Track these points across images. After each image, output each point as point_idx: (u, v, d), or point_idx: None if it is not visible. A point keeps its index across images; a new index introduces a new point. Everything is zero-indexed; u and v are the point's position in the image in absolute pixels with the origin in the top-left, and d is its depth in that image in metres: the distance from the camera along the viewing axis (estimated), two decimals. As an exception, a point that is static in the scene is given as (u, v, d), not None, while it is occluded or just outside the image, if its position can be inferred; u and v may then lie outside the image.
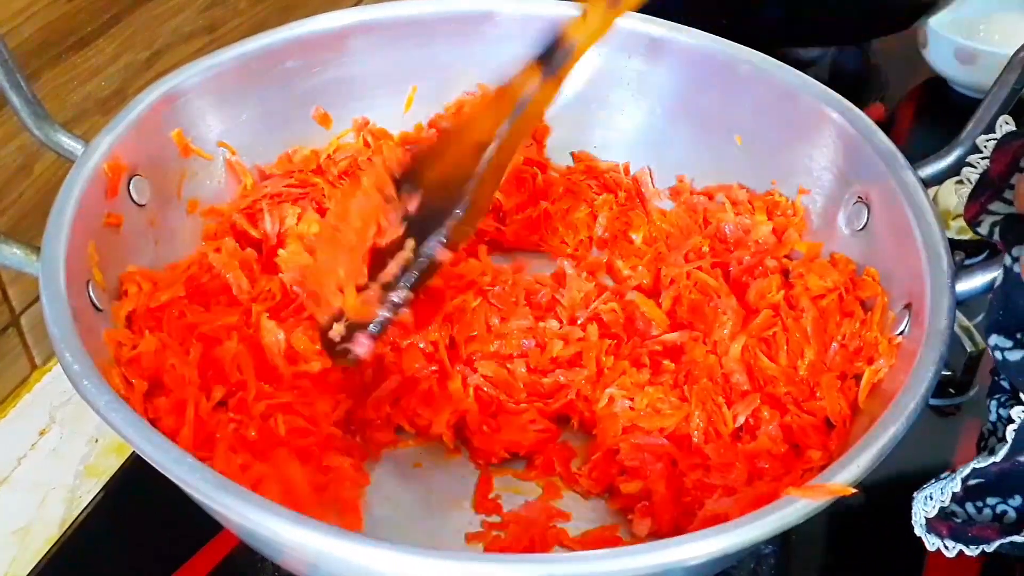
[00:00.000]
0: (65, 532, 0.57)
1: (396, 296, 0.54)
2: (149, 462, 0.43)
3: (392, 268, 0.55)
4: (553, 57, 0.54)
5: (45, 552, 0.56)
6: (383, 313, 0.54)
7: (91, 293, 0.52)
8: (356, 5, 0.71)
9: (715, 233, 0.67)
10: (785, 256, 0.64)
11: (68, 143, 0.57)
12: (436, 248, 0.55)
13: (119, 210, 0.57)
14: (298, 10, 0.84)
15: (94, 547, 0.57)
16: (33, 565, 0.56)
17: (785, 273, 0.63)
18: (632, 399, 0.58)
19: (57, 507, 0.59)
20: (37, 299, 0.49)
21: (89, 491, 0.60)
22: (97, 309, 0.52)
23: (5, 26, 0.59)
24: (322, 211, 0.66)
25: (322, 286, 0.56)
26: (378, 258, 0.55)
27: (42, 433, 0.63)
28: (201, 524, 0.50)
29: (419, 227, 0.55)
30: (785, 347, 0.59)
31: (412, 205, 0.56)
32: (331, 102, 0.69)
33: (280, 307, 0.61)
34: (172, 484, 0.43)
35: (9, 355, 0.65)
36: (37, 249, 0.51)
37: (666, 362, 0.61)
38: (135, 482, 0.60)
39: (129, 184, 0.58)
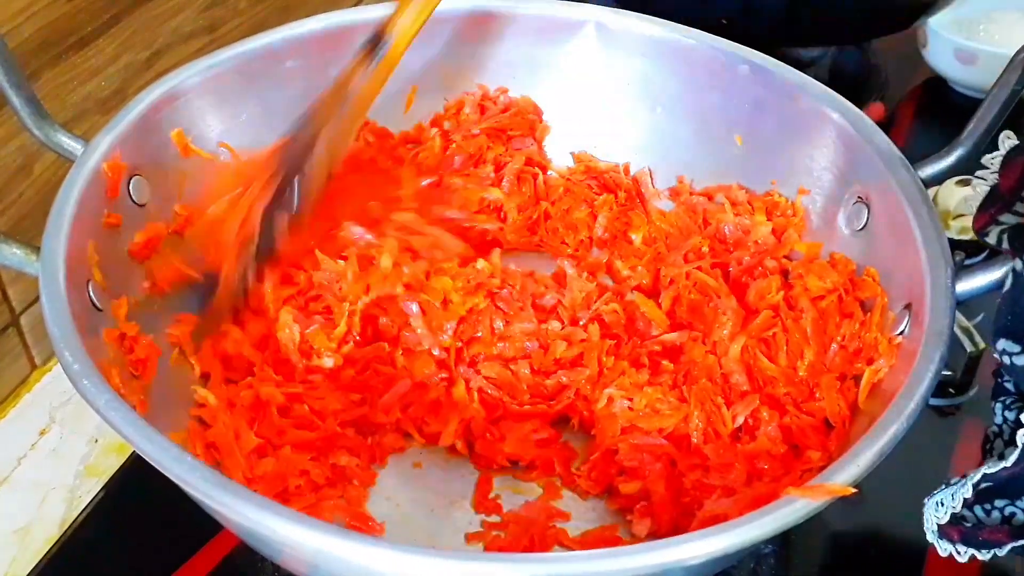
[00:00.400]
0: (65, 532, 0.57)
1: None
2: (149, 461, 0.43)
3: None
4: (375, 50, 0.61)
5: (45, 552, 0.56)
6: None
7: (91, 293, 0.52)
8: (356, 5, 0.71)
9: (715, 233, 0.67)
10: (785, 256, 0.64)
11: (68, 143, 0.57)
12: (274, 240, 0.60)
13: (119, 210, 0.57)
14: (298, 10, 0.84)
15: (94, 547, 0.57)
16: (33, 565, 0.56)
17: (785, 274, 0.63)
18: (631, 399, 0.58)
19: (57, 507, 0.59)
20: (37, 299, 0.49)
21: (89, 491, 0.60)
22: (97, 308, 0.52)
23: (5, 26, 0.59)
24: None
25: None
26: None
27: (42, 433, 0.63)
28: (201, 524, 0.50)
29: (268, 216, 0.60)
30: (785, 348, 0.59)
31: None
32: (331, 102, 0.69)
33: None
34: (172, 484, 0.43)
35: (9, 355, 0.65)
36: (37, 249, 0.51)
37: (665, 362, 0.61)
38: (135, 482, 0.60)
39: (129, 184, 0.58)
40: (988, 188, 0.53)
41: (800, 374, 0.58)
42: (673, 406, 0.58)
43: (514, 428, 0.59)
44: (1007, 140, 0.59)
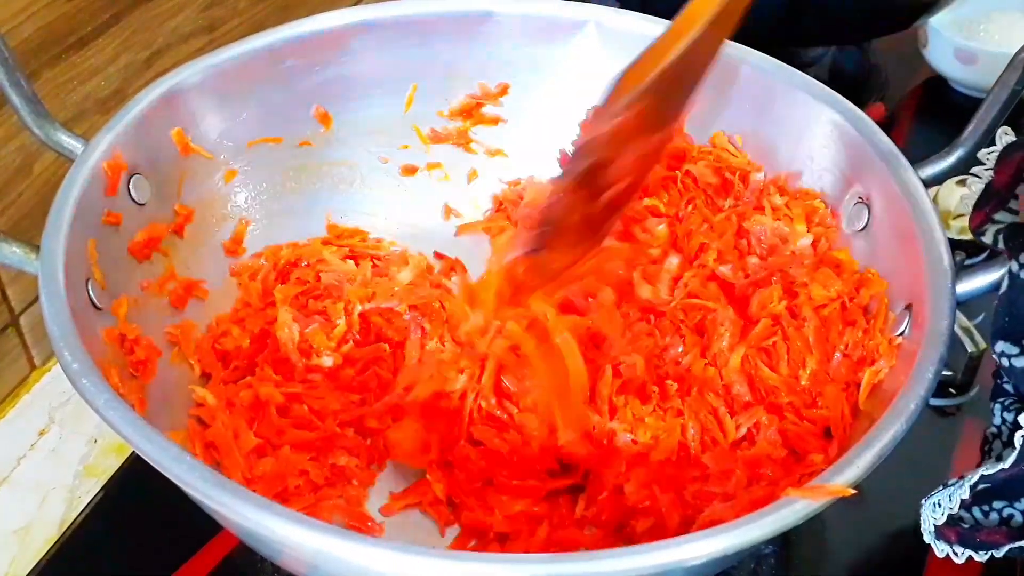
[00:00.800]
0: (65, 532, 0.57)
1: None
2: (148, 461, 0.43)
3: None
4: None
5: (45, 552, 0.56)
6: None
7: (90, 291, 0.52)
8: (356, 5, 0.71)
9: (744, 235, 0.65)
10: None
11: (68, 142, 0.57)
12: None
13: (119, 209, 0.57)
14: (298, 10, 0.84)
15: (94, 547, 0.57)
16: (33, 565, 0.56)
17: (790, 282, 0.62)
18: (634, 432, 0.56)
19: (57, 507, 0.59)
20: (37, 299, 0.49)
21: (89, 491, 0.60)
22: (96, 307, 0.52)
23: (5, 26, 0.59)
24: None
25: None
26: None
27: (42, 433, 0.63)
28: (201, 524, 0.50)
29: None
30: (786, 357, 0.58)
31: None
32: (331, 101, 0.69)
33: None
34: (172, 484, 0.43)
35: (9, 355, 0.65)
36: (36, 248, 0.51)
37: (669, 381, 0.59)
38: (135, 482, 0.60)
39: (129, 183, 0.58)
40: (983, 185, 0.52)
41: (802, 383, 0.57)
42: (670, 426, 0.56)
43: (504, 503, 0.55)
44: (1004, 136, 0.59)
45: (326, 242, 0.67)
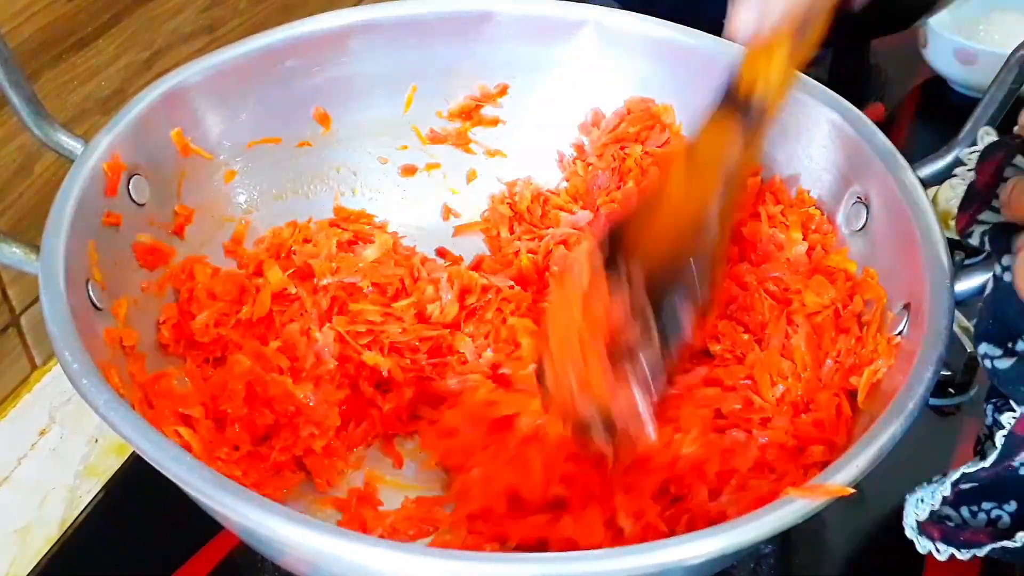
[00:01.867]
0: (65, 532, 0.57)
1: (651, 381, 0.50)
2: (148, 461, 0.43)
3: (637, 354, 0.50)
4: (747, 112, 0.50)
5: (45, 552, 0.56)
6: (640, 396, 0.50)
7: (90, 292, 0.52)
8: (356, 5, 0.71)
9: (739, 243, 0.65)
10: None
11: (68, 142, 0.57)
12: (684, 325, 0.50)
13: (119, 209, 0.57)
14: (298, 10, 0.84)
15: (94, 547, 0.57)
16: (33, 565, 0.56)
17: (783, 289, 0.62)
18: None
19: (57, 507, 0.59)
20: (37, 299, 0.49)
21: (89, 491, 0.60)
22: (96, 308, 0.52)
23: (5, 26, 0.59)
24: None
25: (560, 388, 0.51)
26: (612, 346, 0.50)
27: (42, 433, 0.64)
28: (201, 524, 0.50)
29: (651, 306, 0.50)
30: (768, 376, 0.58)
31: (636, 282, 0.50)
32: (331, 102, 0.69)
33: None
34: (172, 484, 0.43)
35: (9, 355, 0.65)
36: (37, 248, 0.51)
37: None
38: (135, 482, 0.60)
39: (128, 183, 0.58)
40: (966, 187, 0.52)
41: (797, 393, 0.57)
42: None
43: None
44: (986, 136, 0.59)
45: (332, 223, 0.68)
